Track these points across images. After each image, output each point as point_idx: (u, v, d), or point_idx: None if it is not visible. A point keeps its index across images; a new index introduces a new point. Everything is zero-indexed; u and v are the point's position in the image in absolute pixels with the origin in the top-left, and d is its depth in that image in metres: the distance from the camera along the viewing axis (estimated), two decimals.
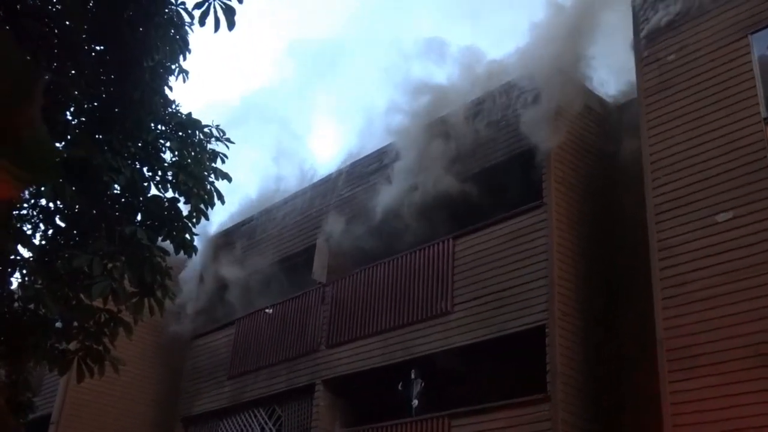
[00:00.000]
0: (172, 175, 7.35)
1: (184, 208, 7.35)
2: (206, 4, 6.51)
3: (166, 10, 6.83)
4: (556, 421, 10.17)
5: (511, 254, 11.66)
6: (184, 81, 7.44)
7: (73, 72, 6.83)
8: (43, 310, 7.04)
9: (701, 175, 9.62)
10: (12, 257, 7.07)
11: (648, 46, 10.88)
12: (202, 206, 7.37)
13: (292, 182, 17.90)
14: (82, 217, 7.07)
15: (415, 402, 12.68)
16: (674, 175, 9.89)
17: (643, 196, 10.13)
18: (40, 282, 7.11)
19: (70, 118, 7.15)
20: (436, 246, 13.01)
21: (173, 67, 7.24)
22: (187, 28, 7.01)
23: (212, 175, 7.59)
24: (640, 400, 10.57)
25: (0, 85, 1.16)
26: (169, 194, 7.38)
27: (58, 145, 6.68)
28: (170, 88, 7.32)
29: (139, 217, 7.25)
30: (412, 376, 12.84)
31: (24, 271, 7.23)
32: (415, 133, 13.83)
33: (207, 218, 7.50)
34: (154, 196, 7.31)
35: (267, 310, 16.10)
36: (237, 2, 6.47)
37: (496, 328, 11.41)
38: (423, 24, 38.76)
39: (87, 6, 6.59)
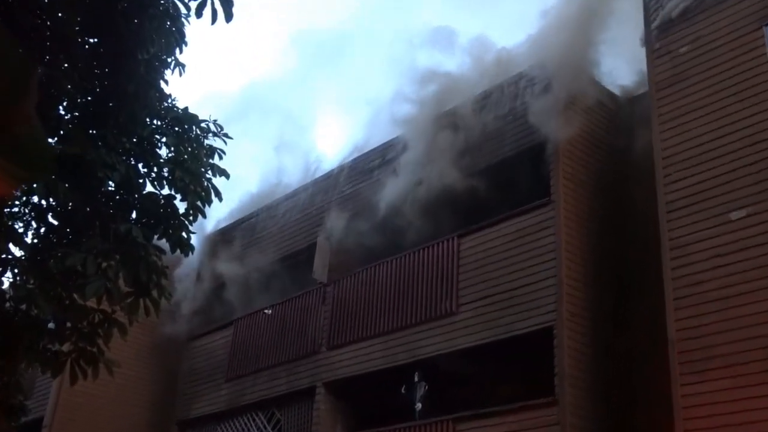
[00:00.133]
0: (168, 172, 7.25)
1: (181, 206, 7.28)
2: None
3: (162, 1, 6.70)
4: (565, 426, 9.94)
5: (518, 253, 11.44)
6: (181, 74, 7.38)
7: (66, 65, 6.68)
8: (36, 311, 6.97)
9: (714, 172, 9.41)
10: (3, 256, 6.99)
11: (660, 37, 10.65)
12: (199, 203, 7.30)
13: (294, 175, 17.70)
14: (75, 214, 6.99)
15: (419, 405, 12.48)
16: (686, 171, 9.67)
17: (655, 190, 9.91)
18: (32, 281, 7.04)
19: (63, 112, 7.00)
20: (440, 244, 12.77)
21: (169, 60, 7.15)
22: (183, 19, 6.90)
23: (209, 172, 7.51)
24: (651, 395, 10.40)
25: None
26: (165, 191, 7.30)
27: (51, 140, 6.55)
28: (166, 82, 7.22)
29: (134, 215, 7.16)
30: (416, 378, 12.63)
31: (16, 271, 7.16)
32: (422, 123, 13.57)
33: (204, 216, 7.43)
34: (150, 193, 7.21)
35: (266, 311, 15.84)
36: None
37: (502, 329, 11.19)
38: (430, 13, 38.45)
39: None
